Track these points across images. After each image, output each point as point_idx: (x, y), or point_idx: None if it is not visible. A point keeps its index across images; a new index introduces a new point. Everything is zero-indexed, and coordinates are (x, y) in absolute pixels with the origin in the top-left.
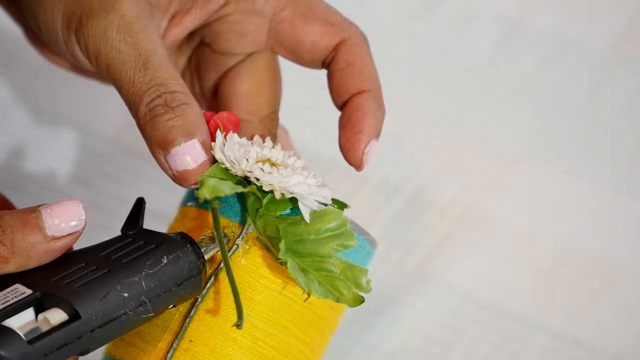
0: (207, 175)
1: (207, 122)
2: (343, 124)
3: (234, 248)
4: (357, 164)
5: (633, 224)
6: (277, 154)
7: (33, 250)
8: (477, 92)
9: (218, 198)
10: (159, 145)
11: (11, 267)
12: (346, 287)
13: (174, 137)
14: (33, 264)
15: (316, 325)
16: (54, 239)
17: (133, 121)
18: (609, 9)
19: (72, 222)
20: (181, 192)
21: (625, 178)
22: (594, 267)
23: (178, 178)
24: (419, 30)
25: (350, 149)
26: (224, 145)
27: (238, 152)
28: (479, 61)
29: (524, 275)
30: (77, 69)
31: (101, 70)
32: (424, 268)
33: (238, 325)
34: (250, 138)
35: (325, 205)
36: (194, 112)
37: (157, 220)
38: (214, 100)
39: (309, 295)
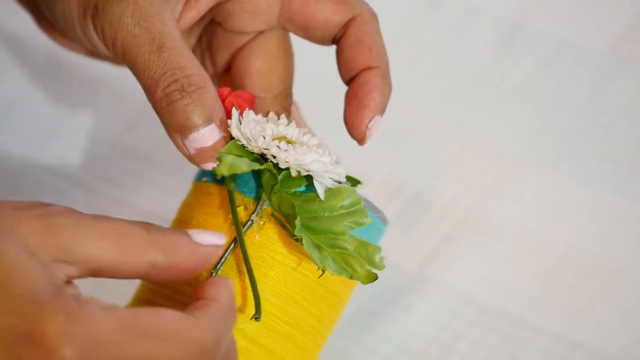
0: (224, 152)
1: (223, 100)
2: (349, 99)
3: (248, 224)
4: (360, 138)
5: (633, 227)
6: (292, 131)
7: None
8: (477, 94)
9: (234, 179)
10: (176, 130)
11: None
12: (360, 264)
13: (192, 122)
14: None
15: (328, 300)
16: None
17: (133, 124)
18: (609, 10)
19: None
20: (182, 194)
21: (626, 180)
22: (594, 270)
23: (194, 157)
24: (419, 31)
25: (354, 123)
26: (240, 122)
27: (255, 129)
28: (480, 63)
29: (524, 277)
30: (94, 54)
31: (118, 55)
32: (424, 270)
33: (256, 318)
34: (265, 115)
35: (340, 182)
36: (211, 95)
37: (157, 222)
38: (227, 77)
39: (323, 271)
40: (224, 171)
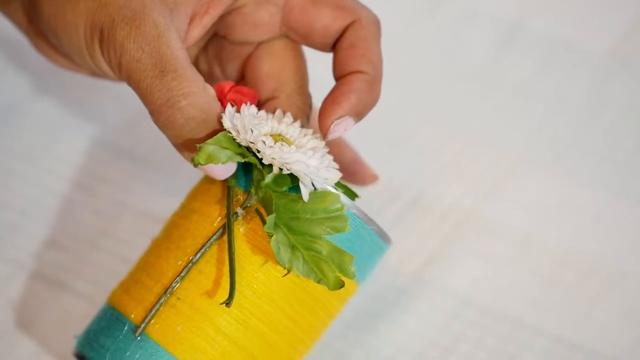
0: (209, 142)
1: (224, 95)
2: (328, 95)
3: (234, 217)
4: (323, 132)
5: (633, 228)
6: (293, 130)
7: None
8: (477, 95)
9: (235, 176)
10: (183, 149)
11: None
12: (331, 270)
13: (198, 143)
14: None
15: (308, 304)
16: None
17: (133, 126)
18: (609, 12)
19: None
20: (181, 195)
21: (625, 182)
22: (593, 271)
23: (182, 147)
24: (419, 33)
25: (322, 116)
26: (234, 114)
27: (248, 122)
28: (479, 64)
29: (523, 279)
30: (96, 74)
31: (123, 79)
32: (423, 272)
33: (227, 303)
34: (275, 112)
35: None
36: (214, 119)
37: (156, 224)
38: (243, 85)
39: (288, 271)
40: (200, 160)
